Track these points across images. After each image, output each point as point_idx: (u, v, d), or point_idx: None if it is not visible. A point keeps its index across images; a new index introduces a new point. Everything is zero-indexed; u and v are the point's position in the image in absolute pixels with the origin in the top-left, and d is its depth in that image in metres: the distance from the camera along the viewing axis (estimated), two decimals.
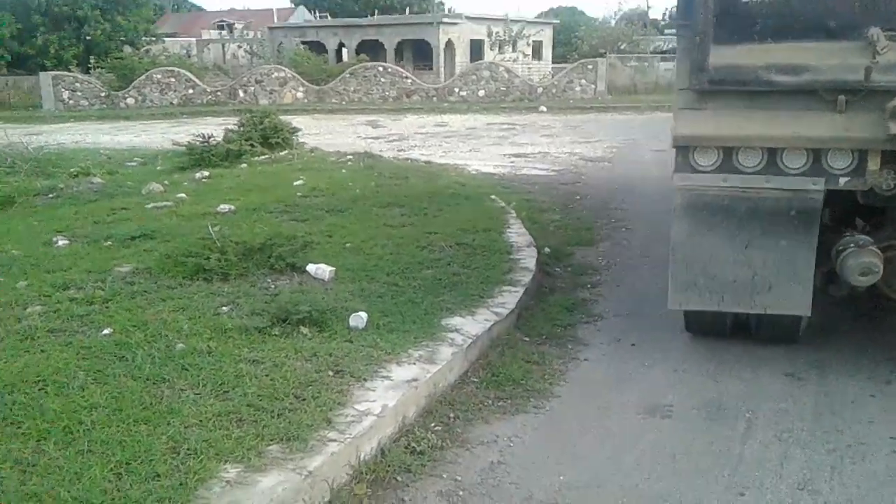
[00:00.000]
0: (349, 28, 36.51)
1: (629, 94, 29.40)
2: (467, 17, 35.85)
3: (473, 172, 12.20)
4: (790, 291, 4.21)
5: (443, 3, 55.28)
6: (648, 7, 60.83)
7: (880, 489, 3.20)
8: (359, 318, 4.53)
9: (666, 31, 59.83)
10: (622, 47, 39.39)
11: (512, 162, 13.95)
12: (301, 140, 14.18)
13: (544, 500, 3.21)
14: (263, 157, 12.39)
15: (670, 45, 48.22)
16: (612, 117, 23.90)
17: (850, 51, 3.82)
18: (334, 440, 3.25)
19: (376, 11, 42.99)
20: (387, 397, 3.67)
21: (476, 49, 36.62)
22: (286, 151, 13.06)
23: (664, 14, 76.36)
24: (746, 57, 4.01)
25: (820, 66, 3.89)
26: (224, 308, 4.66)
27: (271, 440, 3.19)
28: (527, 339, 4.95)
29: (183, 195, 8.68)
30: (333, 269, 5.41)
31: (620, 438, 3.70)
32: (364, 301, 4.91)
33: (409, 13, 42.41)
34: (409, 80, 29.05)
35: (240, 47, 37.07)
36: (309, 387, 3.67)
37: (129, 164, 13.05)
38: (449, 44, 35.17)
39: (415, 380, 3.89)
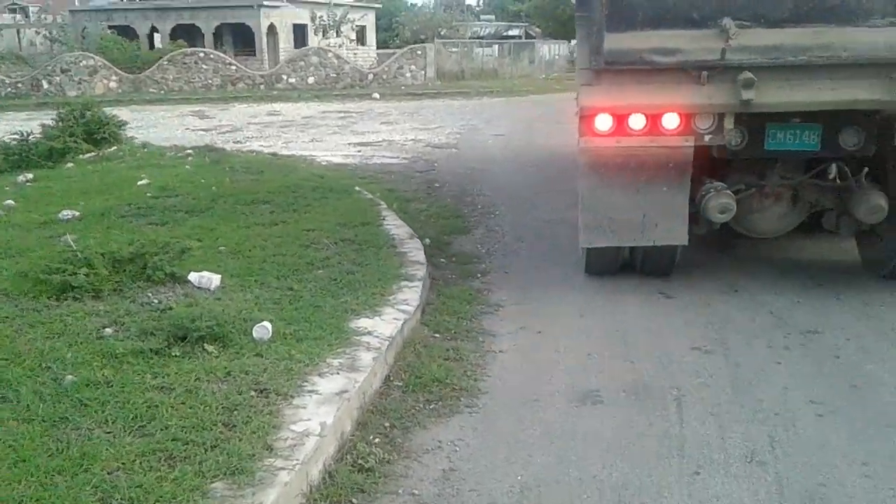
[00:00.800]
0: (162, 11, 34.27)
1: (457, 79, 29.89)
2: (289, 1, 34.80)
3: (324, 163, 11.86)
4: (672, 226, 5.33)
5: None
6: None
7: (819, 453, 3.38)
8: (263, 329, 4.19)
9: (482, 17, 61.49)
10: (443, 33, 39.99)
11: (359, 151, 13.72)
12: (129, 135, 13.17)
13: None
14: (90, 154, 11.36)
15: (486, 31, 49.71)
16: (444, 103, 24.14)
17: (709, 37, 4.83)
18: (282, 468, 2.96)
19: None
20: (321, 413, 3.41)
21: (300, 34, 35.71)
22: (115, 147, 12.05)
23: (478, 0, 78.35)
24: (633, 42, 4.94)
25: (688, 49, 4.89)
26: (107, 330, 4.15)
27: (214, 477, 2.85)
28: (437, 335, 4.82)
29: (10, 202, 7.73)
30: (220, 276, 4.99)
31: (561, 430, 3.67)
32: (262, 309, 4.57)
33: None
34: (234, 67, 27.85)
35: (38, 33, 33.82)
36: (234, 411, 3.34)
37: None
38: (271, 28, 34.01)
39: (344, 391, 3.65)
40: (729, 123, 5.10)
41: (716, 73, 4.90)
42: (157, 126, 18.25)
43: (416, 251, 6.17)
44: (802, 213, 5.73)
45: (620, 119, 5.13)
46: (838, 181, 5.34)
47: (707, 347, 4.56)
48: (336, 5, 35.93)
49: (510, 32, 50.45)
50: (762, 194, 5.61)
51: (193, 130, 17.48)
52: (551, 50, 42.76)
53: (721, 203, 5.27)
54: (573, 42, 53.82)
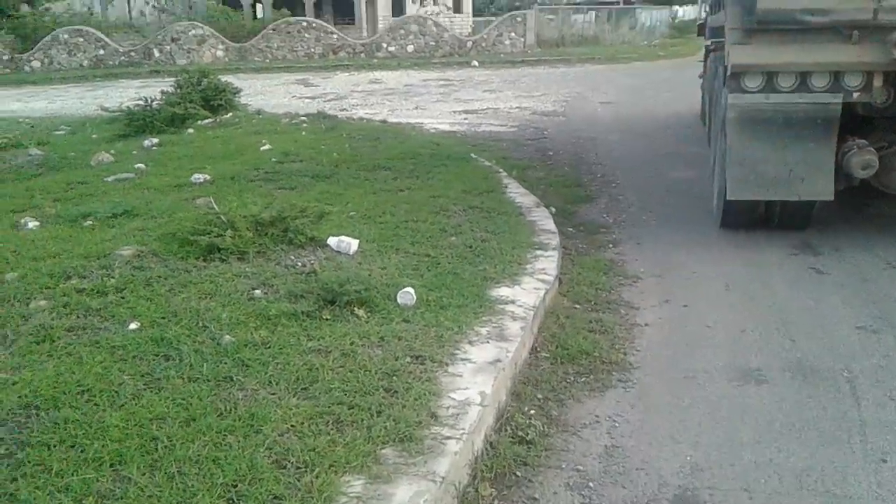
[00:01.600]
0: None
1: (557, 46, 29.24)
2: None
3: (433, 131, 11.78)
4: (817, 181, 5.46)
5: None
6: None
7: None
8: (407, 295, 4.15)
9: None
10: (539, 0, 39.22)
11: (465, 119, 13.58)
12: (241, 102, 13.41)
13: (681, 485, 2.96)
14: (208, 120, 11.58)
15: None
16: (545, 71, 23.69)
17: None
18: (449, 437, 2.90)
19: None
20: (479, 382, 3.33)
21: (397, 3, 35.71)
22: (231, 114, 12.25)
23: None
24: (785, 2, 5.19)
25: (839, 9, 5.10)
26: (257, 292, 4.19)
27: (384, 443, 2.82)
28: (577, 306, 4.68)
29: (141, 165, 7.96)
30: (357, 241, 4.98)
31: (727, 410, 3.49)
32: (403, 275, 4.52)
33: None
34: (336, 36, 28.04)
35: (147, 2, 34.93)
36: (394, 377, 3.30)
37: (57, 132, 11.97)
38: None
39: (498, 360, 3.56)
40: (878, 81, 5.23)
41: (867, 32, 5.07)
42: (263, 94, 18.56)
43: (544, 220, 6.02)
44: None
45: (770, 76, 5.35)
46: None
47: (873, 327, 4.26)
48: None
49: None
50: None
51: (300, 98, 17.70)
52: (651, 17, 41.39)
53: (864, 159, 5.39)
54: (675, 8, 52.13)
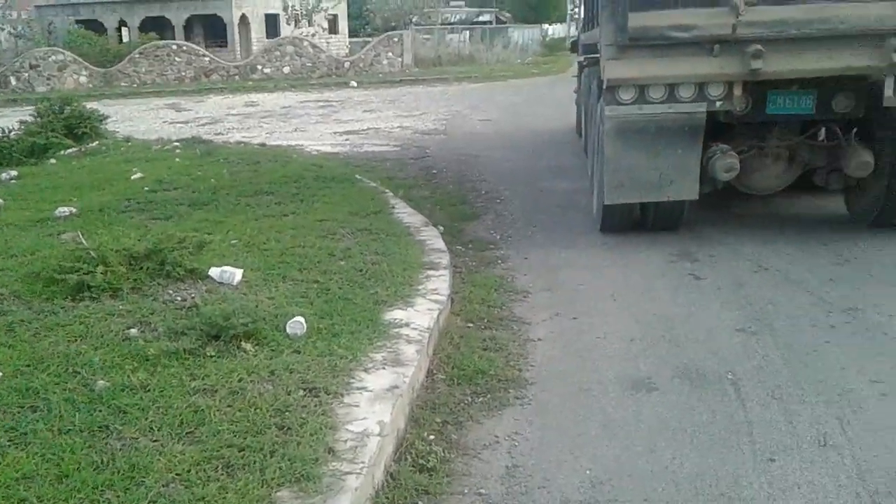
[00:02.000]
0: (130, 4, 33.43)
1: (434, 65, 29.58)
2: None
3: (315, 153, 11.60)
4: (684, 184, 5.91)
5: None
6: None
7: (894, 434, 3.26)
8: (297, 325, 4.00)
9: (451, 3, 61.10)
10: (414, 20, 39.58)
11: (346, 140, 13.48)
12: (108, 129, 12.79)
13: (583, 501, 2.95)
14: (72, 150, 10.97)
15: (457, 17, 49.32)
16: (424, 89, 23.88)
17: (721, 14, 5.44)
18: (348, 472, 2.78)
19: None
20: (377, 411, 3.23)
21: (272, 24, 35.07)
22: (97, 142, 11.65)
23: None
24: (654, 20, 5.58)
25: (702, 25, 5.49)
26: (133, 331, 3.93)
27: (279, 485, 2.67)
28: (470, 325, 4.66)
29: None
30: (241, 270, 4.78)
31: (622, 420, 3.52)
32: (291, 304, 4.36)
33: None
34: (207, 59, 27.29)
35: (2, 29, 32.86)
36: (286, 412, 3.15)
37: None
38: (243, 19, 33.35)
39: (395, 387, 3.47)
40: (738, 91, 5.65)
41: (727, 45, 5.51)
42: (132, 120, 17.82)
43: (433, 239, 6.00)
44: (797, 171, 6.32)
45: (641, 89, 5.73)
46: (829, 141, 6.13)
47: (752, 329, 4.44)
48: None
49: (481, 18, 50.14)
50: (762, 154, 6.19)
51: (171, 123, 17.08)
52: (524, 35, 42.63)
53: (727, 163, 5.89)
54: (545, 26, 53.90)
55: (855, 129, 6.05)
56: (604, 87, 5.85)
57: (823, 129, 6.18)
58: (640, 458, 3.22)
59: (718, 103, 5.70)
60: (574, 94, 12.01)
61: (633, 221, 6.50)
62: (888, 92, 5.45)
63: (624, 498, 2.97)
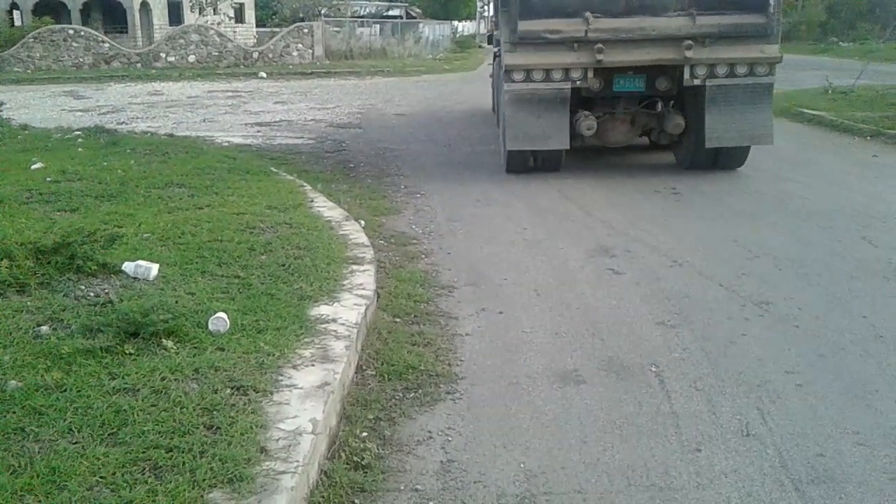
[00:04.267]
0: None
1: (345, 58, 29.27)
2: None
3: (225, 144, 11.31)
4: (559, 137, 8.42)
5: None
6: None
7: (810, 423, 3.41)
8: (220, 321, 3.87)
9: None
10: (323, 12, 39.02)
11: (259, 131, 13.18)
12: (4, 116, 12.10)
13: (519, 494, 2.97)
14: None
15: (367, 11, 48.92)
16: (336, 82, 23.61)
17: (578, 23, 8.05)
18: (283, 471, 2.70)
19: None
20: (308, 409, 3.16)
21: (175, 11, 33.98)
22: None
23: None
24: (534, 26, 8.13)
25: (566, 30, 8.09)
26: (43, 328, 3.72)
27: (211, 486, 2.57)
28: (398, 319, 4.62)
29: None
30: (157, 265, 4.59)
31: (552, 413, 3.56)
32: (213, 300, 4.23)
33: None
34: (108, 45, 26.15)
35: None
36: (215, 412, 3.04)
37: None
38: (144, 5, 32.17)
39: (326, 384, 3.40)
40: (591, 74, 8.23)
41: (582, 44, 8.08)
42: (28, 107, 16.91)
43: (356, 233, 5.92)
44: (638, 131, 9.14)
45: (529, 72, 8.26)
46: (656, 110, 8.90)
47: (671, 322, 4.57)
48: None
49: (391, 12, 49.93)
50: (613, 119, 8.89)
51: (70, 111, 16.29)
52: (435, 31, 42.69)
53: (588, 123, 8.58)
54: (455, 23, 54.09)
55: (672, 102, 8.82)
56: (503, 70, 8.44)
57: (656, 102, 8.87)
58: (572, 451, 3.25)
59: (579, 82, 8.28)
60: (489, 77, 13.89)
61: (528, 164, 8.95)
62: (686, 76, 8.15)
63: (558, 490, 3.00)
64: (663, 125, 8.75)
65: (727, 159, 8.83)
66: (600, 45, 7.94)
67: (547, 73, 8.18)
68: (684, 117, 8.59)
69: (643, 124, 9.01)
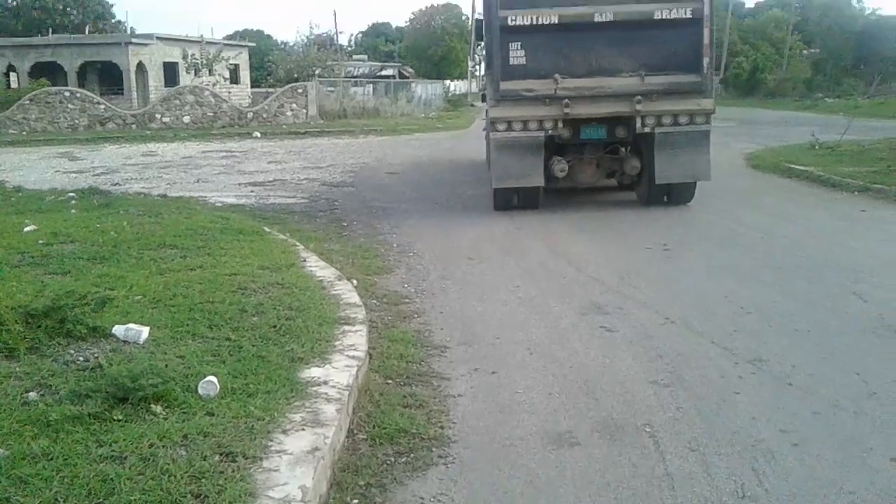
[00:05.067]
0: (20, 48, 32.25)
1: (339, 118, 29.67)
2: (159, 38, 33.58)
3: (219, 205, 11.38)
4: (536, 177, 10.04)
5: (122, 23, 51.41)
6: (339, 32, 61.96)
7: (807, 484, 3.37)
8: (210, 385, 3.84)
9: (354, 57, 61.66)
10: (317, 72, 39.69)
11: (252, 191, 13.28)
12: None
13: None
14: None
15: (360, 71, 49.81)
16: (330, 142, 23.89)
17: (549, 83, 9.74)
18: None
19: (50, 31, 38.62)
20: (298, 476, 3.11)
21: (171, 72, 34.50)
22: None
23: (350, 40, 78.73)
24: (513, 86, 9.85)
25: (539, 89, 9.79)
26: (31, 394, 3.68)
27: None
28: (390, 381, 4.59)
29: None
30: (147, 328, 4.57)
31: (546, 477, 3.51)
32: (203, 363, 4.20)
33: (88, 33, 38.68)
34: (103, 107, 26.48)
35: None
36: (203, 479, 2.99)
37: None
38: (140, 67, 32.67)
39: (316, 449, 3.36)
40: (561, 125, 9.95)
41: (552, 99, 9.80)
42: (22, 169, 17.04)
43: (348, 293, 5.92)
44: (603, 172, 10.78)
45: (510, 123, 9.97)
46: (617, 155, 10.56)
47: (664, 380, 4.55)
48: (210, 43, 35.00)
49: (384, 72, 50.83)
50: (581, 162, 10.51)
51: (65, 173, 16.39)
52: (427, 90, 43.41)
53: (560, 166, 10.22)
54: (447, 83, 55.09)
55: (629, 147, 10.50)
56: (489, 122, 10.35)
57: (617, 148, 10.55)
58: None
59: (551, 131, 9.98)
60: (483, 131, 14.76)
61: (512, 201, 10.51)
62: (638, 125, 9.89)
63: None
64: (623, 167, 10.47)
65: (677, 195, 10.49)
66: (567, 101, 9.71)
67: (524, 124, 9.89)
68: (640, 160, 10.27)
69: (607, 167, 10.68)
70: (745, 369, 4.69)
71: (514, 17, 9.76)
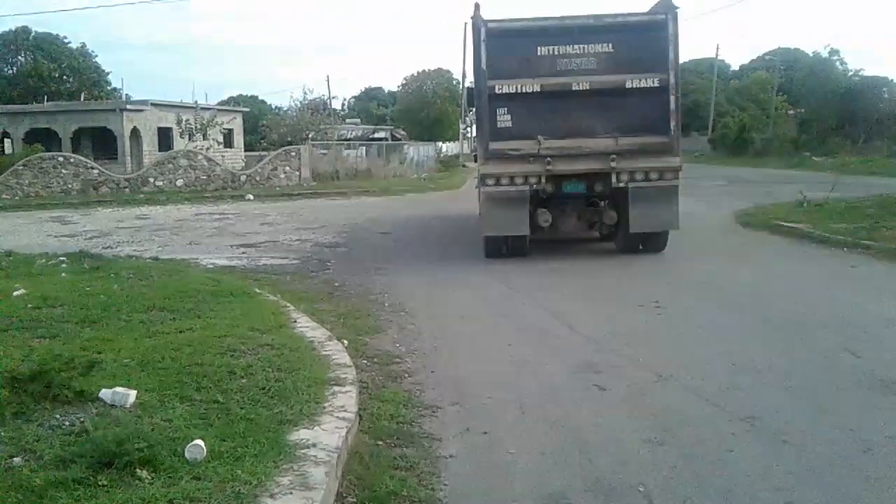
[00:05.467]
0: (15, 115, 32.62)
1: (332, 180, 29.93)
2: (153, 104, 34.01)
3: (211, 266, 11.37)
4: (522, 226, 11.05)
5: (118, 90, 52.20)
6: (332, 97, 62.92)
7: None
8: (197, 448, 3.78)
9: (347, 121, 62.53)
10: (310, 135, 40.19)
11: (244, 253, 13.29)
12: None
13: None
14: None
15: (353, 133, 50.44)
16: (323, 203, 24.05)
17: (533, 143, 10.95)
18: None
19: (45, 98, 39.14)
20: None
21: (165, 137, 34.84)
22: None
23: (343, 104, 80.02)
24: (501, 146, 11.02)
25: (524, 149, 10.97)
26: (16, 460, 3.62)
27: None
28: (380, 443, 4.53)
29: None
30: (134, 392, 4.52)
31: None
32: (190, 426, 4.14)
33: (84, 100, 39.20)
34: (96, 171, 26.66)
35: None
36: None
37: None
38: (134, 132, 33.00)
39: None
40: (544, 180, 11.05)
41: (536, 158, 10.95)
42: (14, 233, 17.03)
43: (338, 353, 5.88)
44: (585, 223, 11.98)
45: (498, 178, 11.06)
46: (596, 207, 11.64)
47: (658, 439, 4.50)
48: (204, 108, 35.48)
49: (377, 135, 51.46)
50: (564, 214, 11.66)
51: (57, 237, 16.40)
52: (419, 152, 43.90)
53: (544, 217, 11.39)
54: (439, 144, 55.84)
55: (607, 200, 11.54)
56: (480, 177, 11.54)
57: (597, 201, 11.68)
58: None
59: (535, 186, 11.08)
60: (476, 188, 15.34)
61: (502, 248, 11.55)
62: (614, 181, 10.98)
63: None
64: (602, 218, 11.63)
65: (650, 243, 11.55)
66: (549, 159, 10.89)
67: (511, 179, 10.98)
68: (617, 212, 11.39)
69: (588, 218, 11.85)
70: (739, 427, 4.65)
71: (500, 86, 10.96)
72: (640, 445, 4.43)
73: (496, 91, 10.97)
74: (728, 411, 4.91)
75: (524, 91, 10.95)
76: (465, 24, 45.50)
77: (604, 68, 10.95)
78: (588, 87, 10.89)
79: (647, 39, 10.95)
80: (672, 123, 10.83)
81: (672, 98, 10.84)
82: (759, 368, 5.78)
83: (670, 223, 11.14)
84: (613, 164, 10.78)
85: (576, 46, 10.99)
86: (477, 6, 11.43)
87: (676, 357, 6.16)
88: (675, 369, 5.81)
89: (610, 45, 10.97)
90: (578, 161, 10.89)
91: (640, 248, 11.56)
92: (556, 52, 11.01)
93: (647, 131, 10.90)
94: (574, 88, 10.89)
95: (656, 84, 10.86)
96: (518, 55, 11.04)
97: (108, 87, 53.36)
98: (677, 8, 10.90)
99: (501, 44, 11.05)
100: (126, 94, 47.54)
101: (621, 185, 10.91)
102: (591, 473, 4.09)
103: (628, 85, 10.88)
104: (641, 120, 10.91)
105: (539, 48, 11.02)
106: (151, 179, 27.11)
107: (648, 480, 3.97)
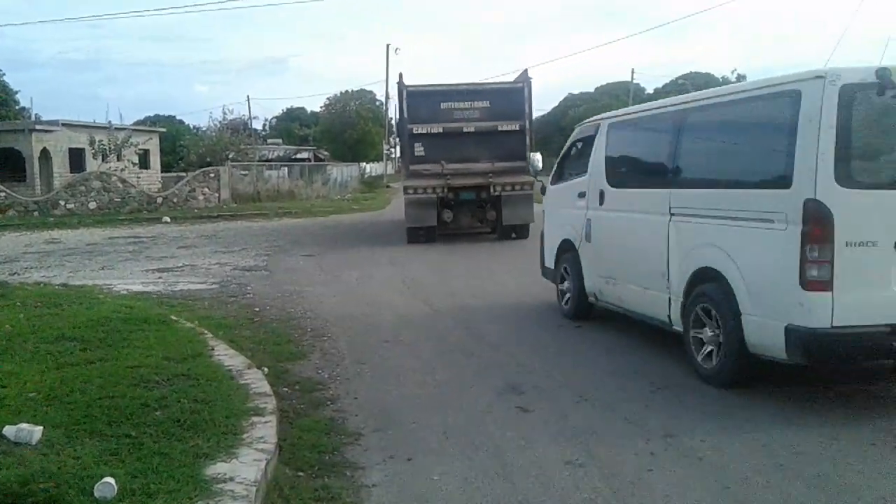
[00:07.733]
0: None
1: (253, 201, 29.46)
2: (64, 124, 32.71)
3: (124, 293, 10.98)
4: (432, 220, 17.13)
5: (27, 109, 50.10)
6: (253, 117, 62.11)
7: None
8: (107, 486, 3.62)
9: (269, 141, 61.72)
10: (231, 156, 39.48)
11: (160, 278, 12.91)
12: None
13: None
14: None
15: (275, 154, 49.81)
16: (243, 225, 23.63)
17: (438, 165, 17.33)
18: None
19: None
20: None
21: (76, 158, 33.49)
22: None
23: (264, 124, 79.06)
24: (418, 167, 17.51)
25: (432, 169, 17.33)
26: None
27: None
28: (301, 473, 4.42)
29: None
30: (40, 428, 4.30)
31: None
32: (100, 463, 3.96)
33: None
34: (3, 194, 25.58)
35: None
36: None
37: None
38: (44, 153, 31.67)
39: None
40: (446, 190, 16.85)
41: (441, 176, 16.86)
42: None
43: (258, 382, 5.75)
44: (476, 220, 17.85)
45: (416, 188, 16.81)
46: (483, 209, 17.55)
47: (579, 461, 4.54)
48: (118, 129, 34.41)
49: (299, 155, 50.94)
50: (462, 213, 17.58)
51: None
52: (343, 173, 43.71)
53: (447, 214, 17.29)
54: (363, 165, 55.69)
55: (489, 204, 17.20)
56: (404, 188, 17.23)
57: (483, 204, 17.43)
58: None
59: (440, 194, 16.70)
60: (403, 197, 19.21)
61: (421, 237, 16.98)
62: (492, 191, 16.76)
63: None
64: (486, 216, 17.54)
65: (518, 232, 17.26)
66: (449, 176, 16.73)
67: (424, 189, 16.65)
68: (495, 211, 17.28)
69: (478, 216, 17.71)
70: (658, 445, 4.74)
71: (417, 128, 17.16)
72: (562, 468, 4.47)
73: (414, 131, 17.19)
74: (646, 430, 4.99)
75: (432, 132, 17.07)
76: (388, 45, 46.26)
77: (484, 117, 17.14)
78: (474, 130, 17.09)
79: (512, 99, 17.28)
80: (528, 153, 15.96)
81: (527, 136, 17.18)
82: (676, 386, 5.90)
83: (529, 217, 16.99)
84: (491, 180, 16.73)
85: (466, 102, 17.20)
86: (401, 75, 17.88)
87: (596, 376, 6.24)
88: (595, 389, 5.89)
89: (488, 102, 17.27)
90: (469, 177, 16.86)
91: (513, 235, 17.29)
92: (453, 106, 17.15)
93: (511, 158, 16.92)
94: (465, 130, 17.08)
95: (517, 128, 17.17)
96: (428, 108, 17.13)
97: (17, 107, 51.16)
98: (531, 78, 17.53)
99: (417, 100, 17.30)
100: (35, 114, 45.56)
101: (496, 193, 16.80)
102: (513, 497, 4.10)
103: (499, 128, 17.10)
104: (508, 151, 16.98)
105: (442, 103, 17.15)
106: (62, 202, 26.11)
107: (570, 502, 4.00)
